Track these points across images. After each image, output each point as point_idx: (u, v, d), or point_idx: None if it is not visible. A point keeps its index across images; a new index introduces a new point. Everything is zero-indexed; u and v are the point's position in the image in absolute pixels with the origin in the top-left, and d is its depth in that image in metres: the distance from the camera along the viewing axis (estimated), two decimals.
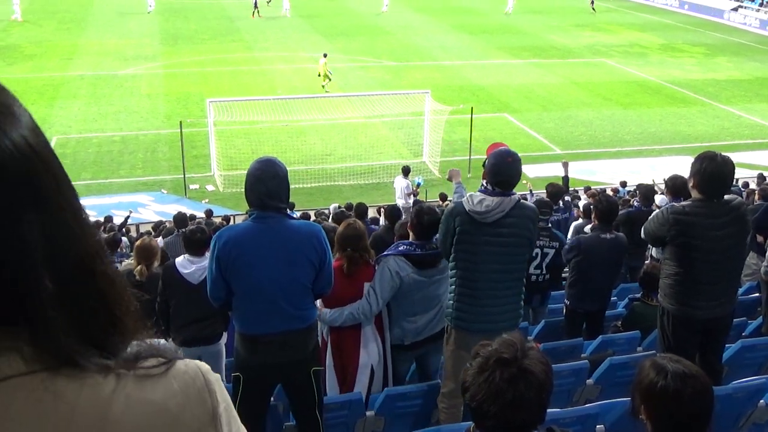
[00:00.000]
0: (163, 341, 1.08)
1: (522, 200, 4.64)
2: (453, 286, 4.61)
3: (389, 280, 4.92)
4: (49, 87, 28.03)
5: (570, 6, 51.19)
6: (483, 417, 2.13)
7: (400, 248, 5.08)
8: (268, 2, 44.20)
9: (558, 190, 10.52)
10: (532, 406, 2.09)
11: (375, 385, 5.11)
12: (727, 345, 5.38)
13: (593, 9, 46.62)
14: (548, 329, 6.98)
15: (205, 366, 1.07)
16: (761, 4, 47.22)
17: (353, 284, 4.94)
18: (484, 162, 4.75)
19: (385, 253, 5.14)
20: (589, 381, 5.15)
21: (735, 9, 48.15)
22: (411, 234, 5.17)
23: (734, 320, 5.55)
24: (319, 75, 27.76)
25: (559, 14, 47.06)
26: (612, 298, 7.53)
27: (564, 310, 7.19)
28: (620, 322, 6.68)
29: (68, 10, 41.98)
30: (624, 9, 48.77)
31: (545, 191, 10.69)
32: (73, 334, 0.94)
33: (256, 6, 42.15)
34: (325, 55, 28.03)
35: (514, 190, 4.59)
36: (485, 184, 4.60)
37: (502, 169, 4.49)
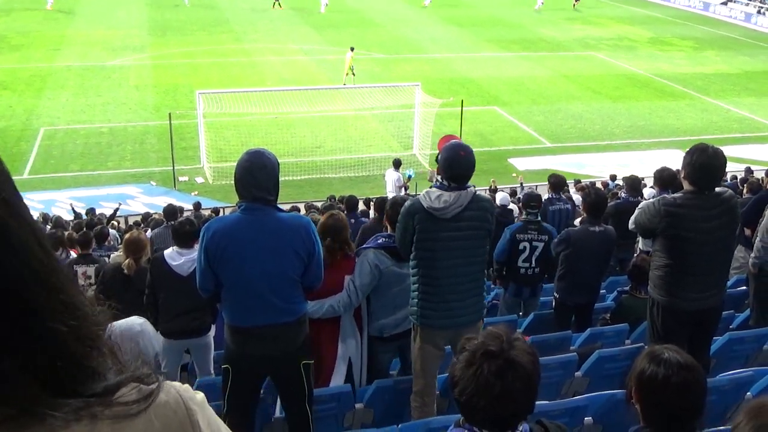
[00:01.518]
0: (139, 325, 1.02)
1: (479, 193, 4.60)
2: (416, 285, 4.57)
3: (369, 272, 4.92)
4: (37, 78, 27.81)
5: None
6: (472, 411, 2.12)
7: (379, 241, 5.08)
8: None
9: (561, 180, 10.54)
10: (520, 398, 2.09)
11: (354, 378, 5.11)
12: (714, 338, 5.41)
13: (575, 7, 46.31)
14: (537, 322, 7.01)
15: (187, 393, 1.01)
16: None
17: (334, 276, 4.91)
18: (437, 157, 4.68)
19: (364, 246, 5.13)
20: (578, 373, 5.16)
21: (724, 3, 48.32)
22: (388, 226, 5.17)
23: (722, 313, 5.58)
24: (351, 68, 27.36)
25: (548, 7, 47.07)
26: (601, 291, 7.56)
27: (553, 303, 7.22)
28: (608, 315, 6.71)
29: (56, 0, 41.60)
30: (613, 2, 48.83)
31: (547, 182, 10.69)
32: (32, 386, 0.86)
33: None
34: (352, 49, 27.75)
35: (470, 183, 4.55)
36: (440, 179, 4.53)
37: (456, 163, 4.43)
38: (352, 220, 10.37)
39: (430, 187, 4.58)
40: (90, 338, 0.92)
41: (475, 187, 4.56)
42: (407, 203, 4.59)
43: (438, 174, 4.58)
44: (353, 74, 27.21)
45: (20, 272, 0.86)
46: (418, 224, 4.42)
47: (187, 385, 1.02)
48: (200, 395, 1.03)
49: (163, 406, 0.96)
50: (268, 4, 42.38)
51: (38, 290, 0.87)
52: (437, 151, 4.86)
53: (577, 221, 10.14)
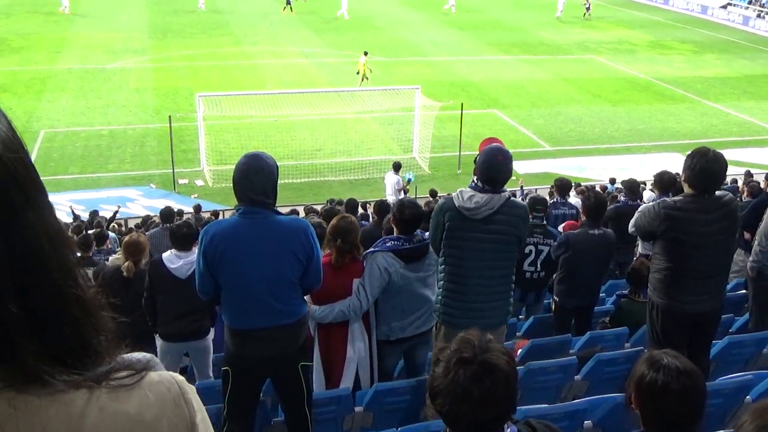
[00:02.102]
0: (136, 355, 1.06)
1: (512, 198, 4.63)
2: (441, 282, 4.62)
3: (378, 276, 4.93)
4: (37, 80, 27.83)
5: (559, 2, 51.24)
6: (455, 419, 2.11)
7: (388, 244, 5.08)
8: None
9: (567, 183, 10.51)
10: (501, 400, 2.07)
11: (362, 381, 5.12)
12: (714, 341, 5.41)
13: (585, 16, 46.05)
14: (537, 325, 7.00)
15: (179, 377, 1.05)
16: (750, 2, 47.46)
17: (342, 280, 4.93)
18: (476, 158, 4.74)
19: (371, 249, 5.14)
20: (577, 377, 5.16)
21: (724, 6, 48.38)
22: (395, 229, 5.18)
23: (722, 317, 5.58)
24: (358, 73, 27.34)
25: (548, 10, 47.10)
26: (600, 294, 7.56)
27: (553, 306, 7.21)
28: (608, 319, 6.71)
29: (56, 3, 41.62)
30: (613, 6, 48.87)
31: (553, 185, 10.65)
32: (42, 356, 0.91)
33: (289, 2, 41.84)
34: (365, 54, 27.63)
35: (505, 187, 4.59)
36: (475, 181, 4.58)
37: (492, 167, 4.48)
38: (359, 224, 10.38)
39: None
40: (93, 315, 0.98)
41: (508, 192, 4.59)
42: (440, 201, 4.69)
43: (474, 175, 4.61)
44: (366, 78, 27.03)
45: (31, 224, 0.93)
46: (448, 222, 4.48)
47: (180, 375, 1.07)
48: (191, 386, 1.07)
49: (156, 383, 1.01)
50: (269, 8, 42.40)
51: (46, 246, 0.93)
52: (477, 152, 4.90)
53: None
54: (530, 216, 7.54)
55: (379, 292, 5.01)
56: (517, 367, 4.98)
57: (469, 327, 4.48)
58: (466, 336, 2.16)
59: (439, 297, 4.64)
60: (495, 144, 4.92)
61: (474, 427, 2.11)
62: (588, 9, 45.75)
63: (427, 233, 5.05)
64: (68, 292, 0.95)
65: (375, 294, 4.99)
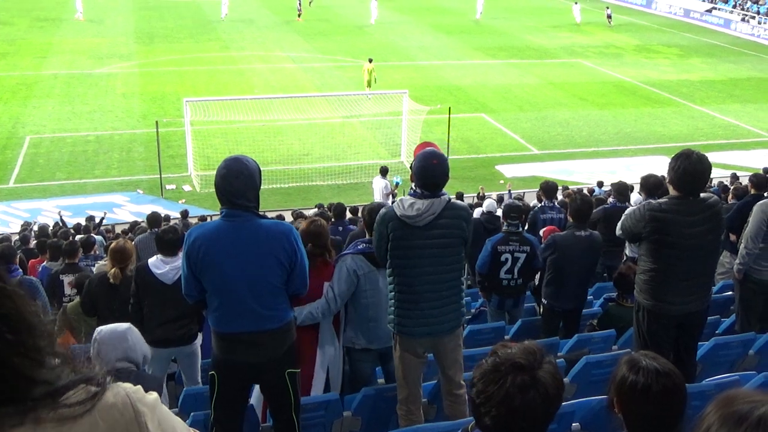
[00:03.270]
0: (127, 329, 1.02)
1: (453, 200, 4.60)
2: (392, 293, 4.56)
3: (347, 278, 4.92)
4: (23, 86, 27.67)
5: (546, 7, 51.57)
6: (485, 415, 2.11)
7: (359, 246, 5.08)
8: (309, 3, 43.99)
9: (553, 186, 10.50)
10: (536, 417, 2.08)
11: (333, 385, 5.09)
12: (700, 343, 5.44)
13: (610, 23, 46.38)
14: (525, 328, 7.02)
15: (137, 393, 1.01)
16: (734, 6, 47.86)
17: (313, 283, 4.90)
18: (411, 164, 4.71)
19: (343, 252, 5.13)
20: (566, 380, 5.17)
21: (708, 11, 48.78)
22: (366, 232, 5.18)
23: (708, 318, 5.61)
24: (370, 80, 26.40)
25: (535, 15, 47.37)
26: (588, 297, 7.58)
27: (541, 309, 7.23)
28: (596, 321, 6.73)
29: (43, 8, 41.48)
30: (599, 10, 49.16)
31: (539, 188, 10.64)
32: None
33: (299, 10, 41.90)
34: (370, 60, 27.04)
35: (444, 191, 4.54)
36: (414, 187, 4.52)
37: (428, 172, 4.42)
38: (340, 228, 10.37)
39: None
40: (35, 350, 0.93)
41: (448, 194, 4.56)
42: (382, 211, 4.59)
43: (412, 182, 4.58)
44: (375, 81, 26.29)
45: None
46: (391, 232, 4.42)
47: (139, 387, 1.02)
48: (153, 396, 1.03)
49: (110, 407, 0.96)
50: (256, 13, 42.38)
51: None
52: (413, 158, 4.87)
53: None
54: (505, 223, 7.55)
55: (348, 294, 4.99)
56: None
57: (424, 335, 4.50)
58: (530, 345, 2.16)
59: (392, 308, 4.59)
60: (430, 148, 4.86)
61: (499, 430, 2.11)
62: (609, 17, 45.93)
63: None
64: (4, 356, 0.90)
65: (344, 296, 4.97)
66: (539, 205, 10.27)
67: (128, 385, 1.02)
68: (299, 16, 41.84)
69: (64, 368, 0.96)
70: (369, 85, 26.08)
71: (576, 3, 46.55)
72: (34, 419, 0.90)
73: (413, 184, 4.53)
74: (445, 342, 4.59)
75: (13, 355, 0.91)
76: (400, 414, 4.66)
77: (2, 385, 0.89)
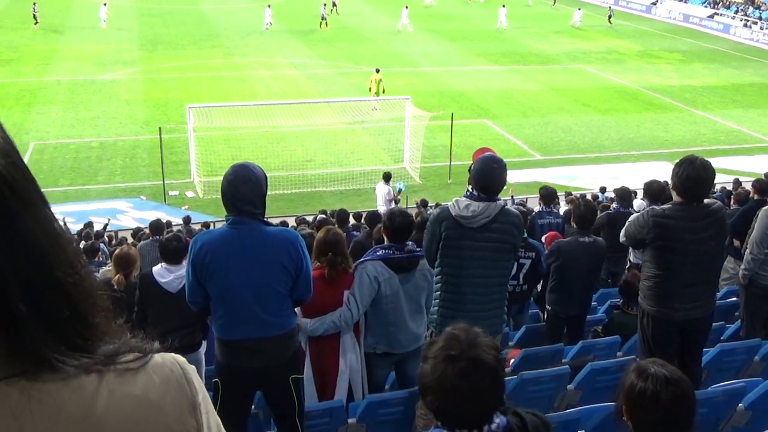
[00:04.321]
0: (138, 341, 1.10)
1: (507, 207, 4.65)
2: (438, 292, 4.62)
3: (368, 285, 4.91)
4: (26, 92, 27.75)
5: (548, 13, 51.64)
6: (445, 414, 2.17)
7: (378, 253, 5.07)
8: (332, 10, 44.01)
9: (551, 192, 10.50)
10: (488, 394, 2.12)
11: (355, 393, 5.09)
12: (705, 349, 5.42)
13: (610, 22, 46.94)
14: (529, 334, 7.00)
15: (181, 358, 1.12)
16: (736, 12, 47.88)
17: (333, 292, 4.91)
18: (470, 167, 4.76)
19: (362, 258, 5.13)
20: (570, 386, 5.15)
21: (710, 16, 48.80)
22: (385, 238, 5.18)
23: (713, 324, 5.60)
24: (370, 90, 25.96)
25: (537, 21, 47.42)
26: (592, 303, 7.56)
27: (545, 315, 7.21)
28: (600, 328, 6.71)
29: (46, 15, 41.57)
30: (601, 15, 49.22)
31: (538, 194, 10.65)
32: (48, 340, 0.96)
33: (324, 18, 41.84)
34: (377, 71, 26.60)
35: (499, 196, 4.61)
36: (470, 189, 4.60)
37: (487, 175, 4.52)
38: (344, 234, 10.36)
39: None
40: (92, 295, 1.03)
41: (504, 200, 4.61)
42: (436, 210, 4.70)
43: (469, 184, 4.63)
44: (383, 92, 25.77)
45: (30, 226, 0.96)
46: (444, 231, 4.49)
47: (180, 355, 1.13)
48: (192, 366, 1.13)
49: (161, 365, 1.07)
50: (259, 20, 42.46)
51: (46, 245, 0.98)
52: (471, 162, 4.95)
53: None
54: None
55: (369, 301, 4.99)
56: (510, 377, 5.00)
57: None
58: (452, 331, 2.20)
59: (436, 308, 4.64)
60: (489, 153, 4.95)
61: (464, 420, 2.16)
62: (610, 17, 46.37)
63: (414, 244, 5.05)
64: (69, 283, 1.00)
65: (366, 303, 4.97)
66: (536, 210, 10.27)
67: (172, 353, 1.13)
68: (322, 24, 41.51)
69: (112, 332, 1.07)
70: (377, 94, 25.61)
71: (579, 9, 46.76)
72: (98, 370, 1.00)
73: (470, 186, 4.59)
74: None
75: (76, 292, 1.00)
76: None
77: (67, 325, 0.99)
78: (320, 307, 4.82)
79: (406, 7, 42.23)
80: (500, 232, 4.50)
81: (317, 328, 4.87)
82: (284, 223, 13.06)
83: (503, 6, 43.90)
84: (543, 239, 8.41)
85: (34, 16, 38.40)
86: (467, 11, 50.26)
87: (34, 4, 39.22)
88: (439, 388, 2.11)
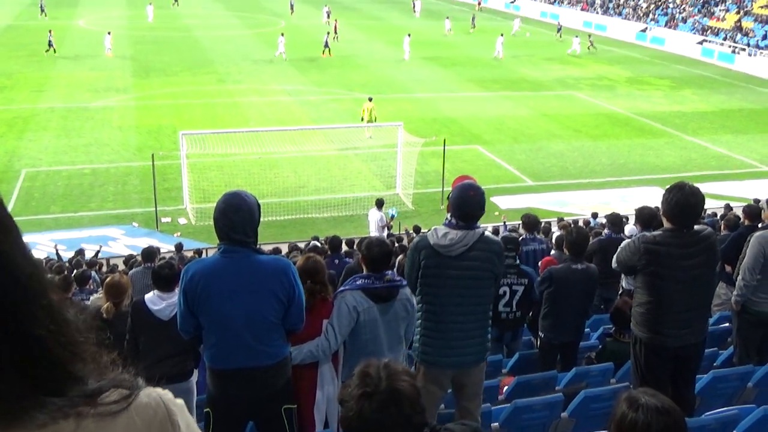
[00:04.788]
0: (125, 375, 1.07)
1: (487, 234, 4.63)
2: (419, 321, 4.58)
3: (347, 314, 4.83)
4: (19, 119, 27.76)
5: (539, 40, 52.18)
6: None
7: (358, 282, 5.01)
8: (334, 37, 44.29)
9: (534, 220, 10.53)
10: (410, 421, 2.13)
11: (331, 425, 5.01)
12: (699, 376, 5.41)
13: (590, 49, 47.51)
14: (523, 362, 6.98)
15: (167, 395, 1.08)
16: (725, 39, 48.48)
17: (312, 321, 4.83)
18: (448, 195, 4.77)
19: (341, 288, 5.09)
20: (564, 414, 5.13)
21: (700, 43, 49.38)
22: (364, 267, 5.13)
23: (706, 350, 5.59)
24: (362, 119, 25.55)
25: (528, 48, 47.89)
26: (585, 330, 7.55)
27: (538, 342, 7.19)
28: (593, 354, 6.70)
29: (39, 42, 41.70)
30: (579, 40, 49.73)
31: (521, 222, 10.68)
32: (24, 388, 0.93)
33: (327, 45, 42.09)
34: (370, 99, 26.36)
35: (479, 223, 4.59)
36: (449, 218, 4.59)
37: (465, 203, 4.50)
38: (336, 261, 10.33)
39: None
40: (72, 344, 1.00)
41: (483, 228, 4.60)
42: (416, 239, 4.67)
43: (448, 212, 4.63)
44: (375, 120, 25.41)
45: (3, 280, 0.93)
46: (423, 260, 4.48)
47: (168, 391, 1.09)
48: (180, 400, 1.10)
49: (144, 406, 1.03)
50: (252, 47, 42.75)
51: (21, 296, 0.95)
52: (451, 190, 4.92)
53: (552, 252, 10.18)
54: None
55: (348, 331, 4.90)
56: (504, 405, 4.97)
57: (448, 366, 4.48)
58: (364, 369, 2.22)
59: (417, 336, 4.60)
60: (467, 180, 4.93)
61: None
62: (592, 44, 47.12)
63: (394, 273, 5.00)
64: (41, 328, 0.96)
65: (344, 333, 4.88)
66: (521, 237, 10.27)
67: (158, 389, 1.10)
68: (324, 52, 41.73)
69: (96, 370, 1.03)
70: (370, 121, 25.38)
71: (576, 36, 47.35)
72: (76, 414, 0.96)
73: (449, 215, 4.58)
74: (469, 374, 4.60)
75: (54, 344, 0.97)
76: None
77: (43, 375, 0.95)
78: (298, 335, 4.75)
79: (408, 35, 42.60)
80: (479, 260, 4.48)
81: (295, 357, 4.76)
82: (277, 250, 13.04)
83: (501, 35, 44.39)
84: (539, 264, 8.42)
85: (50, 43, 38.76)
86: (458, 38, 50.74)
87: (50, 32, 39.63)
88: (361, 427, 2.11)
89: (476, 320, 4.57)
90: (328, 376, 4.97)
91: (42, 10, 51.65)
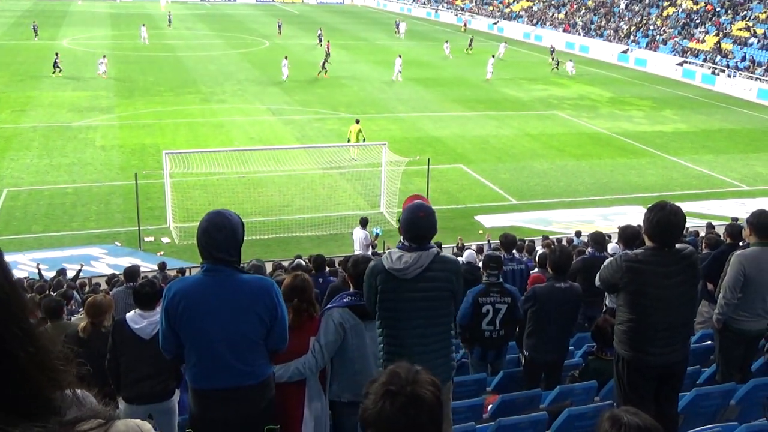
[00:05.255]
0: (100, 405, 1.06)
1: (443, 254, 4.61)
2: (382, 345, 4.55)
3: (333, 331, 4.86)
4: (1, 139, 27.58)
5: (522, 61, 52.69)
6: None
7: (344, 299, 5.04)
8: (326, 60, 44.18)
9: (511, 239, 10.55)
10: (426, 429, 2.16)
11: None
12: (681, 393, 5.43)
13: (553, 71, 47.97)
14: (507, 380, 6.97)
15: (145, 425, 1.07)
16: (704, 60, 49.18)
17: (299, 338, 4.84)
18: (399, 217, 4.73)
19: (328, 305, 5.09)
20: None
21: (680, 64, 50.06)
22: (351, 285, 5.14)
23: (688, 368, 5.61)
24: (349, 140, 25.41)
25: (512, 68, 48.34)
26: (569, 348, 7.56)
27: (522, 361, 7.19)
28: (577, 372, 6.71)
29: (23, 62, 41.65)
30: (578, 64, 50.26)
31: (499, 242, 10.71)
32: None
33: (323, 66, 42.06)
34: (357, 121, 26.23)
35: (433, 243, 4.56)
36: (402, 240, 4.55)
37: (415, 224, 4.46)
38: (320, 280, 10.30)
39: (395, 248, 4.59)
40: (51, 369, 0.99)
41: (437, 247, 4.57)
42: (371, 264, 4.59)
43: (400, 234, 4.60)
44: (363, 141, 25.18)
45: None
46: (380, 284, 4.42)
47: (146, 422, 1.08)
48: None
49: None
50: (236, 66, 42.84)
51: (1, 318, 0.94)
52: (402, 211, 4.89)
53: (535, 270, 10.21)
54: (485, 274, 7.56)
55: (335, 348, 4.92)
56: (488, 424, 4.96)
57: None
58: (394, 368, 2.26)
59: (381, 360, 4.57)
60: (417, 201, 4.91)
61: None
62: (557, 65, 47.58)
63: None
64: (20, 349, 0.95)
65: (331, 350, 4.90)
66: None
67: (138, 420, 1.08)
68: (320, 73, 41.76)
69: (75, 401, 1.02)
70: (357, 141, 25.22)
71: (570, 60, 47.88)
72: None
73: (402, 237, 4.54)
74: None
75: (32, 368, 0.96)
76: None
77: (20, 398, 0.94)
78: (286, 353, 4.74)
79: (400, 56, 42.82)
80: (437, 281, 4.44)
81: (282, 374, 4.78)
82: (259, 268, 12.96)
83: (492, 56, 44.71)
84: (527, 283, 8.44)
85: (56, 64, 38.85)
86: (443, 59, 51.12)
87: (57, 54, 39.78)
88: (378, 422, 2.14)
89: (438, 341, 4.52)
90: (315, 391, 4.96)
91: (35, 33, 51.54)
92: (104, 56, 40.50)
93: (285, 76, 40.29)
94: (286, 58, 41.06)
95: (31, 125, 29.65)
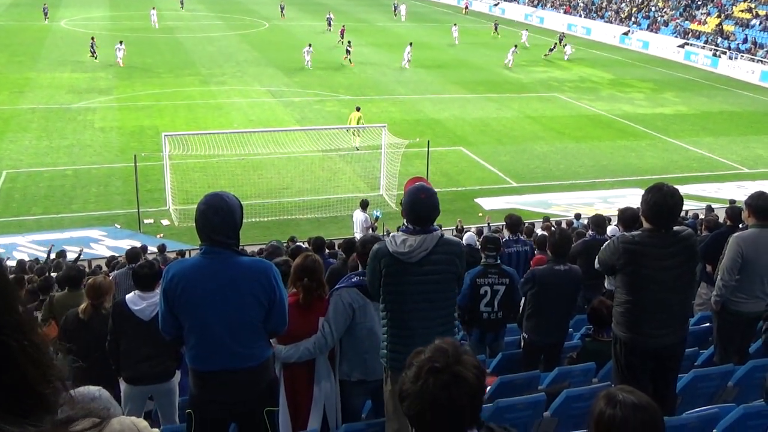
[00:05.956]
0: (92, 389, 1.05)
1: (447, 236, 4.61)
2: (385, 328, 4.55)
3: (342, 311, 4.90)
4: None
5: (522, 44, 52.36)
6: (421, 423, 2.20)
7: (353, 279, 5.06)
8: (339, 41, 43.49)
9: (516, 221, 10.54)
10: (466, 410, 2.16)
11: (330, 421, 5.05)
12: (679, 375, 5.45)
13: (546, 57, 47.42)
14: (506, 362, 7.00)
15: (141, 423, 1.06)
16: (706, 42, 48.93)
17: (308, 319, 4.90)
18: (400, 200, 4.71)
19: (337, 285, 5.11)
20: (546, 413, 5.15)
21: (681, 46, 49.82)
22: (359, 265, 5.16)
23: (686, 350, 5.63)
24: (348, 130, 25.08)
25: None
26: (569, 330, 7.58)
27: (522, 343, 7.22)
28: (575, 354, 6.73)
29: (21, 43, 41.44)
30: (574, 45, 49.99)
31: (504, 223, 10.69)
32: None
33: (348, 53, 41.12)
34: (358, 108, 25.77)
35: (436, 225, 4.55)
36: (405, 223, 4.53)
37: (417, 206, 4.43)
38: (322, 262, 10.31)
39: (397, 231, 4.58)
40: (44, 364, 0.97)
41: (441, 229, 4.56)
42: (375, 247, 4.57)
43: (403, 217, 4.59)
44: (358, 136, 24.94)
45: None
46: (384, 268, 4.41)
47: (142, 419, 1.07)
48: (156, 430, 1.09)
49: None
50: (235, 47, 42.58)
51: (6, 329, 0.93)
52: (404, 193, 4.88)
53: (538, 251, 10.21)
54: (483, 255, 7.57)
55: (344, 328, 4.96)
56: (487, 405, 4.98)
57: None
58: (440, 344, 2.24)
59: (385, 343, 4.58)
60: (418, 183, 4.87)
61: (438, 430, 2.20)
62: (552, 50, 47.14)
63: None
64: (15, 347, 0.94)
65: (340, 330, 4.94)
66: (503, 239, 10.30)
67: (133, 417, 1.08)
68: (347, 58, 40.94)
69: (69, 402, 1.01)
70: (356, 132, 24.91)
71: (566, 44, 47.50)
72: None
73: (405, 220, 4.52)
74: None
75: (25, 360, 0.95)
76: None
77: (12, 391, 0.93)
78: (295, 333, 4.78)
79: (410, 44, 42.15)
80: (441, 264, 4.42)
81: (291, 355, 4.83)
82: (261, 251, 12.98)
83: (515, 45, 43.89)
84: (531, 263, 8.44)
85: (93, 48, 38.11)
86: (444, 42, 50.82)
87: (92, 39, 39.02)
88: (418, 396, 2.14)
89: (441, 323, 4.53)
90: (324, 372, 5.01)
91: (45, 15, 50.97)
92: (121, 41, 39.17)
93: (308, 62, 39.36)
94: (309, 45, 40.08)
95: (30, 107, 29.56)
